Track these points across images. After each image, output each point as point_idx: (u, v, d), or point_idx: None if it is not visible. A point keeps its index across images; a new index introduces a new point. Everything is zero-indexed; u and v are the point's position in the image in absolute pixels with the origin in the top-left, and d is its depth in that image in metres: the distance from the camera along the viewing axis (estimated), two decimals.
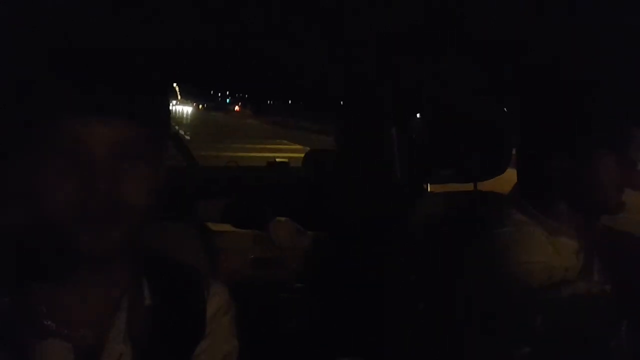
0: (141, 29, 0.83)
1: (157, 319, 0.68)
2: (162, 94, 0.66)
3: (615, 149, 1.00)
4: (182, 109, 31.86)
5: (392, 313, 1.41)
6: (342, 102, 1.82)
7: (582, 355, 0.87)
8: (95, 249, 0.58)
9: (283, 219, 1.67)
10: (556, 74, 1.14)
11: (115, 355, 0.64)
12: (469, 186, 1.53)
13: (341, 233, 1.75)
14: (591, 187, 1.02)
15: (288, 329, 1.38)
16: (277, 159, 2.31)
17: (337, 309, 1.52)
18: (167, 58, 1.07)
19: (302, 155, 2.25)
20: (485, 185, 1.50)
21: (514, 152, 1.24)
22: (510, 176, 1.22)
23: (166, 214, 0.74)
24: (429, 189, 1.61)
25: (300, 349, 1.33)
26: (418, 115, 2.15)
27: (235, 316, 0.79)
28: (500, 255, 0.99)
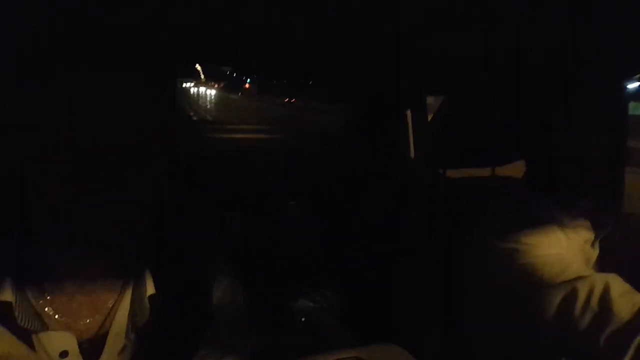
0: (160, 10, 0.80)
1: (161, 309, 0.67)
2: (166, 84, 0.65)
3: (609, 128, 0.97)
4: (206, 91, 33.01)
5: (401, 299, 1.39)
6: (353, 84, 1.77)
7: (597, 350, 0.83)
8: (96, 236, 0.57)
9: (294, 202, 1.66)
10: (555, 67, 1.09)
11: (118, 346, 0.64)
12: (488, 171, 1.50)
13: (355, 218, 1.73)
14: (591, 166, 0.98)
15: (297, 315, 1.38)
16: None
17: (349, 295, 1.50)
18: (188, 40, 1.05)
19: None
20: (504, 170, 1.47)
21: None
22: None
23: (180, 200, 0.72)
24: (446, 174, 1.57)
25: (309, 335, 1.32)
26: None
27: (244, 304, 0.78)
28: (512, 248, 0.96)
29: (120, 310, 0.65)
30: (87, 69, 0.56)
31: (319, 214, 1.69)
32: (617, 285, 0.84)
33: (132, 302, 0.66)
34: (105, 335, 0.63)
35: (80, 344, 0.61)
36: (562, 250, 0.95)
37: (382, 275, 1.45)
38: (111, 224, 0.58)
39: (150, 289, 0.67)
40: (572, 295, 0.85)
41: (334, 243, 1.64)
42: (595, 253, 1.03)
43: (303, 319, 1.27)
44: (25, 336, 0.58)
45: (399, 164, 1.84)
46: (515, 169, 1.43)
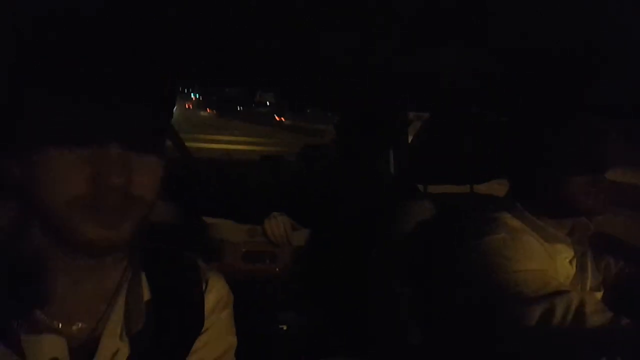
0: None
1: (155, 314, 0.67)
2: (171, 84, 0.65)
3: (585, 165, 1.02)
4: None
5: (379, 313, 1.41)
6: (342, 101, 1.81)
7: None
8: (103, 240, 0.57)
9: (278, 213, 1.66)
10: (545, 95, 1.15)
11: (111, 350, 0.63)
12: (466, 188, 1.54)
13: (334, 230, 1.74)
14: (566, 196, 1.03)
15: (279, 324, 1.38)
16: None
17: (328, 306, 1.51)
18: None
19: None
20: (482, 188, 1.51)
21: None
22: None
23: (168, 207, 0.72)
24: (427, 190, 1.61)
25: (292, 345, 1.32)
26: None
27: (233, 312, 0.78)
28: (494, 262, 0.99)
29: (113, 315, 0.64)
30: (93, 84, 0.56)
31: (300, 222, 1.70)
32: (592, 303, 0.89)
33: (127, 306, 0.65)
34: (98, 339, 0.62)
35: (71, 349, 0.60)
36: (543, 266, 0.99)
37: (361, 287, 1.47)
38: (120, 228, 0.57)
39: (146, 294, 0.67)
40: (551, 310, 0.88)
41: (315, 253, 1.65)
42: (573, 270, 1.07)
43: (285, 328, 1.27)
44: (15, 340, 0.57)
45: (379, 176, 1.87)
46: (492, 188, 1.49)
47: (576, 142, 1.01)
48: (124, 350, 0.63)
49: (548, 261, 1.01)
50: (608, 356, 0.80)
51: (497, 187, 1.49)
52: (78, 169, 0.55)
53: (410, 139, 1.86)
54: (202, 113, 31.46)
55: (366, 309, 1.38)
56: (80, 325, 0.63)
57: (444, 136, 1.47)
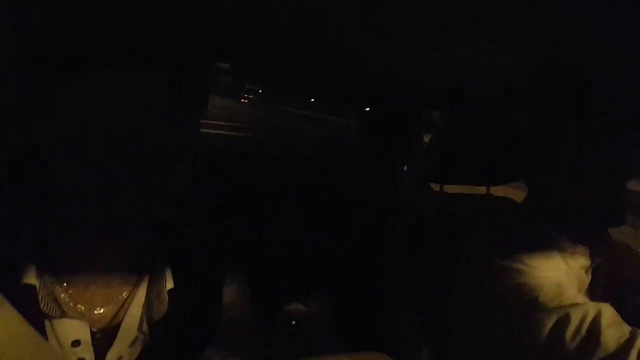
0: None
1: (176, 305, 0.67)
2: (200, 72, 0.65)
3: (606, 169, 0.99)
4: None
5: (392, 312, 1.41)
6: (362, 97, 1.80)
7: None
8: (126, 229, 0.58)
9: (289, 210, 1.66)
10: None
11: (130, 337, 0.64)
12: (482, 189, 1.53)
13: (346, 229, 1.74)
14: (584, 206, 1.01)
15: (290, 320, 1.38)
16: None
17: (339, 304, 1.51)
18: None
19: None
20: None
21: None
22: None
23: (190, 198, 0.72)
24: (442, 189, 1.60)
25: (302, 341, 1.33)
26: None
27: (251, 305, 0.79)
28: (512, 267, 0.98)
29: (134, 302, 0.65)
30: (115, 69, 0.55)
31: (312, 220, 1.71)
32: (608, 315, 0.87)
33: (148, 294, 0.66)
34: (118, 326, 0.63)
35: (92, 334, 0.61)
36: (560, 274, 0.98)
37: (372, 283, 1.47)
38: (135, 216, 0.58)
39: (169, 283, 0.68)
40: (565, 320, 0.87)
41: (326, 249, 1.65)
42: (588, 279, 1.06)
43: (294, 322, 1.27)
44: (39, 323, 0.58)
45: (393, 174, 1.87)
46: (508, 192, 1.47)
47: (595, 149, 0.98)
48: (143, 338, 0.65)
49: (565, 270, 1.00)
50: None
51: (513, 192, 1.49)
52: (106, 156, 0.55)
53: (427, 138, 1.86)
54: None
55: (376, 306, 1.39)
56: (102, 310, 0.64)
57: (462, 136, 1.46)
